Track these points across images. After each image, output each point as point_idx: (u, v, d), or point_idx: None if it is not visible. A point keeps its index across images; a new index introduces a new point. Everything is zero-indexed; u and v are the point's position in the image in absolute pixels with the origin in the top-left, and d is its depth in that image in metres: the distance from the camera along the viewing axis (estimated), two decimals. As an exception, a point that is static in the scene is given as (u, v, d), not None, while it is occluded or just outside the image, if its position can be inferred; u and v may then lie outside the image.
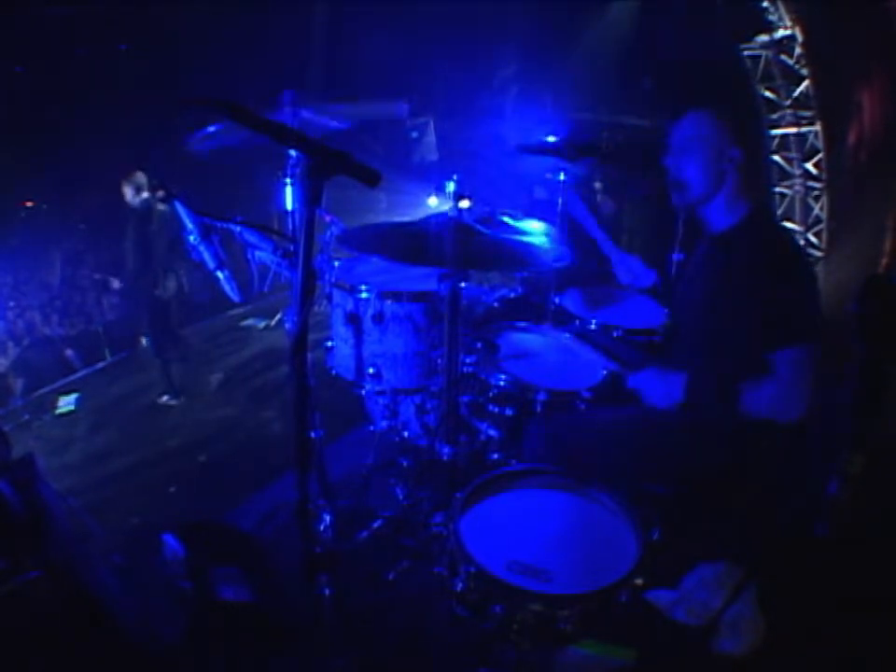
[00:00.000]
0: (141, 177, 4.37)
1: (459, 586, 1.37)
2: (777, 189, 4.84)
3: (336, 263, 2.28)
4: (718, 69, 4.48)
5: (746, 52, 4.60)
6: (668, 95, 4.45)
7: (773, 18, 4.30)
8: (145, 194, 4.42)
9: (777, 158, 4.76)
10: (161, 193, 4.34)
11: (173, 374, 4.59)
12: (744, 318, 1.67)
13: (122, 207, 4.83)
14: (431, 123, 7.26)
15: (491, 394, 2.14)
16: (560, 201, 2.61)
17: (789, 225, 4.74)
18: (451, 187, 1.69)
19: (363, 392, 2.37)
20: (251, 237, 1.74)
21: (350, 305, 2.19)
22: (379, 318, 2.15)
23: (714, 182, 1.78)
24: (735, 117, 1.78)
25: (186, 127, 1.84)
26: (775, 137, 4.71)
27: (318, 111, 2.16)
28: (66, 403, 4.55)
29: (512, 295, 2.89)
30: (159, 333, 4.74)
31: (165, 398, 4.48)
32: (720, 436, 1.74)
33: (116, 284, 4.91)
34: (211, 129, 1.86)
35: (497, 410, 2.17)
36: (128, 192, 4.42)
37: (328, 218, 2.23)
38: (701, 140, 1.78)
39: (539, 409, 2.00)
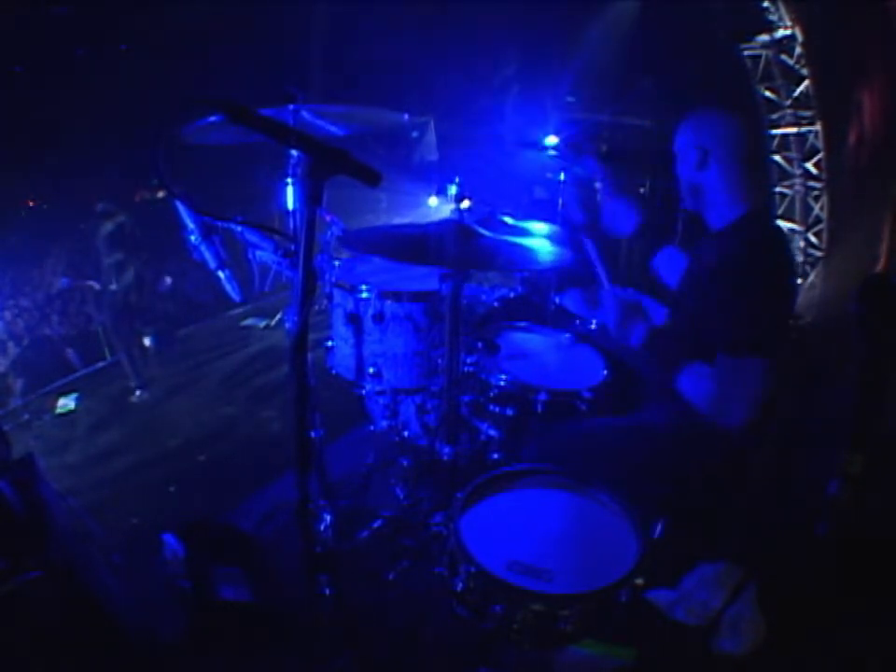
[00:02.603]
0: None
1: (459, 586, 1.37)
2: (777, 189, 4.84)
3: (336, 263, 2.28)
4: (718, 69, 4.48)
5: (746, 52, 4.60)
6: (668, 96, 4.45)
7: (773, 18, 4.30)
8: (100, 205, 4.91)
9: (777, 158, 4.76)
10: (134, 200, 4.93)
11: (139, 368, 4.82)
12: (714, 312, 1.67)
13: (123, 206, 4.98)
14: (431, 123, 7.26)
15: (491, 394, 2.14)
16: (560, 201, 2.61)
17: (788, 225, 4.74)
18: (453, 189, 1.69)
19: (363, 392, 2.37)
20: (252, 237, 1.73)
21: (350, 305, 2.19)
22: (379, 318, 2.15)
23: (692, 193, 1.82)
24: (727, 122, 1.78)
25: (184, 121, 1.83)
26: (775, 137, 4.71)
27: (318, 114, 2.16)
28: (66, 403, 4.55)
29: (512, 295, 2.89)
30: (121, 328, 5.00)
31: (138, 393, 4.66)
32: (719, 444, 1.74)
33: (94, 284, 5.15)
34: (210, 119, 1.85)
35: (497, 410, 2.17)
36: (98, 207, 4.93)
37: (328, 218, 2.23)
38: (681, 151, 1.81)
39: (539, 409, 2.00)
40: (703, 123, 1.79)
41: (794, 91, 4.43)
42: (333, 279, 2.23)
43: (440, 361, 2.16)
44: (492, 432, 2.25)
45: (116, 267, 4.91)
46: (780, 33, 4.30)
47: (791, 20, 4.21)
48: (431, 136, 7.32)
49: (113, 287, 4.92)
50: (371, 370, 2.20)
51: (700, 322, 1.75)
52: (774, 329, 1.65)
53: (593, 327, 2.48)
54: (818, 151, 4.46)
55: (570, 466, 1.69)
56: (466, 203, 1.71)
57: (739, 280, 1.63)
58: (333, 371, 2.35)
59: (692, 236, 1.97)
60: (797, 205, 4.73)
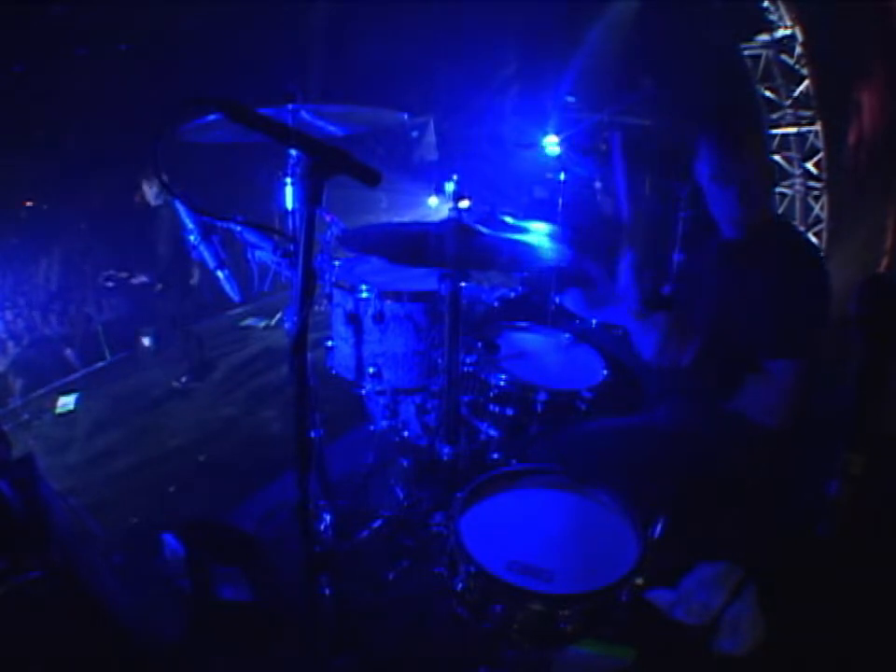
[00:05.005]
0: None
1: (459, 586, 1.37)
2: (777, 189, 4.83)
3: (336, 263, 2.28)
4: (718, 69, 4.48)
5: (746, 52, 4.60)
6: (668, 95, 4.45)
7: (773, 17, 4.30)
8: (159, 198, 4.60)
9: (777, 158, 4.76)
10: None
11: (193, 357, 4.76)
12: (757, 323, 1.66)
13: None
14: (431, 123, 7.26)
15: (491, 394, 2.14)
16: (560, 201, 2.61)
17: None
18: (451, 187, 1.68)
19: (363, 392, 2.37)
20: (251, 237, 1.73)
21: (350, 305, 2.19)
22: (379, 318, 2.15)
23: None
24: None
25: (182, 120, 1.83)
26: (775, 137, 4.71)
27: (317, 114, 2.16)
28: (66, 403, 4.55)
29: (512, 295, 2.88)
30: (189, 322, 4.92)
31: (183, 379, 4.60)
32: (720, 444, 1.74)
33: (143, 278, 4.95)
34: (209, 118, 1.85)
35: (497, 410, 2.17)
36: (149, 192, 4.56)
37: (328, 218, 2.23)
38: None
39: (539, 409, 2.00)
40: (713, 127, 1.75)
41: (794, 91, 4.43)
42: (333, 279, 2.23)
43: (440, 361, 2.16)
44: (492, 432, 2.25)
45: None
46: (780, 33, 4.30)
47: (791, 20, 4.21)
48: (431, 136, 7.32)
49: (193, 280, 4.82)
50: (370, 369, 2.20)
51: (739, 329, 1.73)
52: (815, 331, 1.65)
53: (593, 327, 2.48)
54: (818, 151, 4.46)
55: (574, 465, 1.69)
56: (465, 203, 1.71)
57: (784, 286, 1.64)
58: (333, 371, 2.35)
59: (692, 237, 1.97)
60: (797, 205, 4.73)
